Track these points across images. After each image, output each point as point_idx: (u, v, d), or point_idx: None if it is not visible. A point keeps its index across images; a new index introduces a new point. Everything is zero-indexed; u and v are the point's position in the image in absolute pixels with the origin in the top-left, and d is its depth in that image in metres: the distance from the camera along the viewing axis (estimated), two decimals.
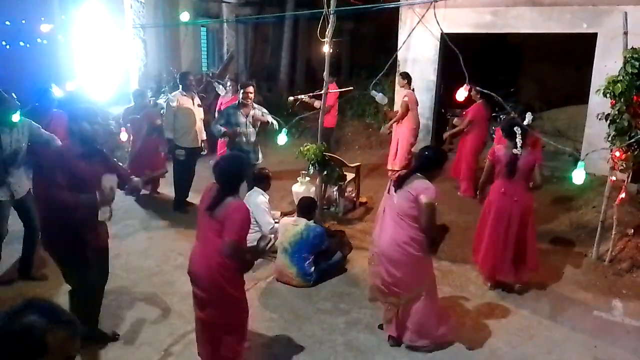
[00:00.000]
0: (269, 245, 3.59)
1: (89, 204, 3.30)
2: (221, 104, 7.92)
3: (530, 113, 6.07)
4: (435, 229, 3.68)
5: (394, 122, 7.65)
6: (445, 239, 5.77)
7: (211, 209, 3.09)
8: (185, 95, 6.39)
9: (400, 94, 8.17)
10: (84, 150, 3.37)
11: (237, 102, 6.18)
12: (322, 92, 5.86)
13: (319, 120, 5.93)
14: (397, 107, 8.17)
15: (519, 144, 4.34)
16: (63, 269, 3.55)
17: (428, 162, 3.63)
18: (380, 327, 3.98)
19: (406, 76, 7.62)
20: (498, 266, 4.56)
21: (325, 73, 5.72)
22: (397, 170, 7.30)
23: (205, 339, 3.31)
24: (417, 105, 7.64)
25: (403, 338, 3.77)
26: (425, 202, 3.43)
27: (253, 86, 6.13)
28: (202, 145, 6.63)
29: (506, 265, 4.52)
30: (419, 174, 3.59)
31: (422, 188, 3.49)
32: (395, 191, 3.61)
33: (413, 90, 7.66)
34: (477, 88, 5.49)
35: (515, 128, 4.40)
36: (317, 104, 7.36)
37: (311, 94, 8.02)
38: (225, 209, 3.07)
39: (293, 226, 4.78)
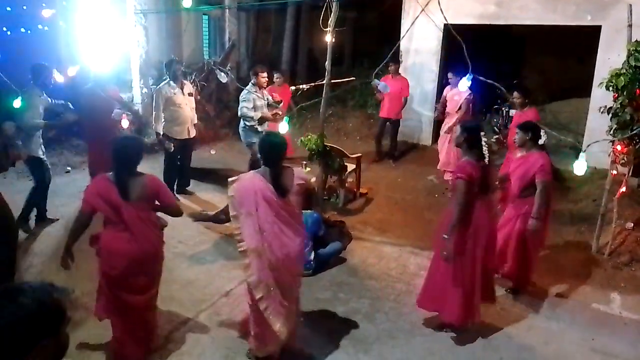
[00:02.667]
0: None
1: None
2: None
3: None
4: None
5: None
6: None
7: (126, 194, 3.19)
8: (173, 86, 6.22)
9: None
10: None
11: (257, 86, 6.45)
12: (324, 81, 5.84)
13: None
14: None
15: (485, 153, 3.70)
16: None
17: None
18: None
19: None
20: None
21: (327, 62, 5.70)
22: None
23: (142, 324, 3.42)
24: None
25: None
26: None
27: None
28: (191, 133, 6.57)
29: None
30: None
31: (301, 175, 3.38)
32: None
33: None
34: (481, 78, 5.44)
35: (481, 134, 3.73)
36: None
37: (312, 83, 8.01)
38: (143, 186, 3.24)
39: None
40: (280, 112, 6.61)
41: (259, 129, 6.35)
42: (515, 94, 5.83)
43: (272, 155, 3.24)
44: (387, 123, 8.43)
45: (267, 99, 6.61)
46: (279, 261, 3.17)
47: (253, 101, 6.32)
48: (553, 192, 4.47)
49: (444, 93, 7.68)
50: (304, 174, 3.45)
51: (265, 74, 6.55)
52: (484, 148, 3.65)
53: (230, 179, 3.27)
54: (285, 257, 3.18)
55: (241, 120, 6.51)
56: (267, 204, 3.14)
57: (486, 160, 3.68)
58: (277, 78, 8.28)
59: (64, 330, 1.51)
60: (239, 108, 6.39)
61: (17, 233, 4.39)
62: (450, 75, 7.48)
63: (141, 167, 3.36)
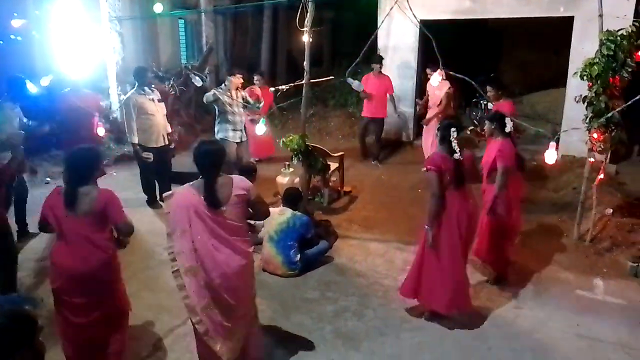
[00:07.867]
0: None
1: None
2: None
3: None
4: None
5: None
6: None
7: (72, 207, 3.00)
8: (142, 94, 6.12)
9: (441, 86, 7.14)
10: None
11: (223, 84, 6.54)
12: (304, 81, 5.84)
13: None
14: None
15: (455, 148, 3.72)
16: None
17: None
18: None
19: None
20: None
21: (305, 63, 5.70)
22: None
23: (97, 344, 3.16)
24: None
25: None
26: (256, 192, 3.13)
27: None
28: (169, 139, 6.48)
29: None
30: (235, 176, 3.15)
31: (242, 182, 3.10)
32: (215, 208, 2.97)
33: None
34: (451, 73, 5.48)
35: (451, 130, 3.72)
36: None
37: (292, 83, 8.01)
38: (95, 201, 3.03)
39: (279, 215, 4.81)
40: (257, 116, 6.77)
41: (231, 127, 6.44)
42: (488, 88, 5.79)
43: (205, 164, 3.00)
44: (371, 122, 8.29)
45: (244, 98, 6.61)
46: (215, 280, 2.93)
47: (220, 99, 6.35)
48: (516, 178, 4.53)
49: (428, 88, 7.72)
50: (244, 183, 3.08)
51: (240, 76, 6.58)
52: (454, 143, 3.70)
53: (165, 194, 3.11)
54: (222, 276, 2.94)
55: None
56: (200, 220, 2.91)
57: (458, 154, 3.71)
58: (257, 80, 8.23)
59: (37, 339, 1.54)
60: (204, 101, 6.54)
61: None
62: (428, 70, 7.51)
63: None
